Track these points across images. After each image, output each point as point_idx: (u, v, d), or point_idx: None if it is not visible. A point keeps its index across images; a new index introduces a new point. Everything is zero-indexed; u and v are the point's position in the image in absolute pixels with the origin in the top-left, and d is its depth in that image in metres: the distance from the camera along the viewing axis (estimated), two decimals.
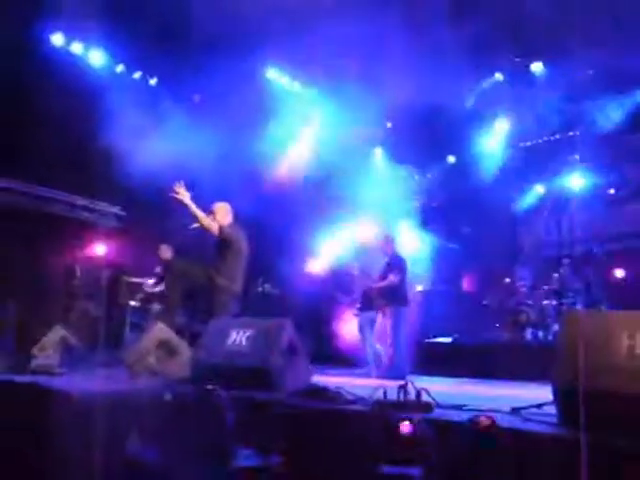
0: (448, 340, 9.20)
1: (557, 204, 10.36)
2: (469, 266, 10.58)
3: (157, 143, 7.85)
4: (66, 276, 7.89)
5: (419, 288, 10.23)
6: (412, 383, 3.52)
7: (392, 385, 3.67)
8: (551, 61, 9.42)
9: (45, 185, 8.15)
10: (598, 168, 10.01)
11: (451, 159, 11.65)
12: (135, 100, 8.33)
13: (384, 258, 8.04)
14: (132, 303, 8.57)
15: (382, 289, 7.78)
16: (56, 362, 5.81)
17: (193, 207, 6.17)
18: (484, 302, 9.79)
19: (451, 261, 10.74)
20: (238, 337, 4.83)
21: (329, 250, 11.08)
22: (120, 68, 9.77)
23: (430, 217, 11.21)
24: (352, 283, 9.31)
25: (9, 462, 4.03)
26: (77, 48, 9.31)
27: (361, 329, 8.68)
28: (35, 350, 5.93)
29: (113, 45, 9.31)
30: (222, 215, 6.41)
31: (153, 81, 10.14)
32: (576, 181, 10.13)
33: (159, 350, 5.25)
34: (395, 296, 7.65)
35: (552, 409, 3.15)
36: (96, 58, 9.48)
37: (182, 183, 6.19)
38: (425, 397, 3.51)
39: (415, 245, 10.41)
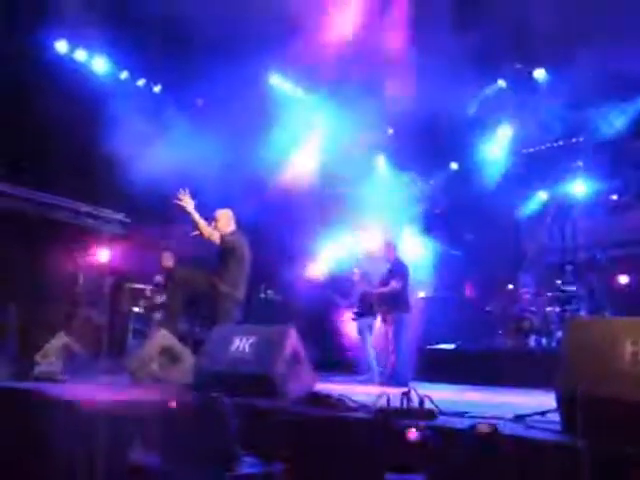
0: (451, 347, 9.18)
1: (560, 211, 10.36)
2: (472, 273, 10.56)
3: (161, 150, 7.88)
4: (69, 282, 7.90)
5: (422, 294, 10.22)
6: (415, 390, 3.51)
7: (395, 392, 3.67)
8: (554, 68, 9.43)
9: (49, 191, 8.18)
10: (601, 175, 10.00)
11: (454, 166, 11.66)
12: (139, 107, 8.36)
13: (386, 264, 8.03)
14: (135, 310, 8.57)
15: (384, 295, 7.76)
16: (59, 369, 5.82)
17: (196, 216, 6.18)
18: (487, 309, 9.77)
19: (454, 268, 10.73)
20: (241, 344, 4.83)
21: (331, 256, 11.08)
22: (124, 75, 9.81)
23: (433, 223, 11.21)
24: (352, 288, 9.32)
25: (11, 469, 4.03)
26: (81, 55, 9.35)
27: (360, 334, 8.70)
28: (38, 357, 5.93)
29: (117, 52, 9.35)
30: (225, 222, 6.42)
31: (157, 88, 10.18)
32: (579, 188, 10.13)
33: (162, 357, 5.26)
34: (397, 302, 7.63)
35: (556, 416, 3.14)
36: (100, 65, 9.52)
37: (186, 191, 6.21)
38: (428, 404, 3.51)
39: (418, 251, 10.40)
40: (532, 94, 9.86)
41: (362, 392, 4.90)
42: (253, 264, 6.50)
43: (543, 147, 10.68)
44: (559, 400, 3.04)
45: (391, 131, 10.92)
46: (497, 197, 10.47)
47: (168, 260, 8.67)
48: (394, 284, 7.61)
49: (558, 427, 3.07)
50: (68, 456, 3.64)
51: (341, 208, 10.16)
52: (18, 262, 7.22)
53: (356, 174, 10.30)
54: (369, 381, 7.98)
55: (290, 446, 3.54)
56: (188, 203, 6.17)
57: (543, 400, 3.59)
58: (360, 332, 8.67)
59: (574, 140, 10.16)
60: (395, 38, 8.35)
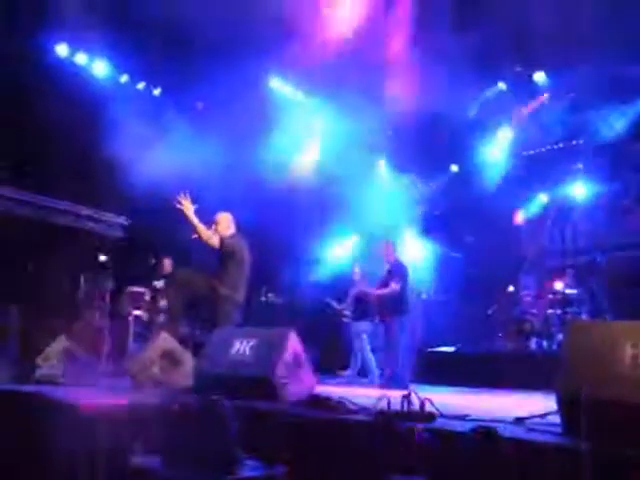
0: (451, 349, 9.18)
1: (560, 213, 10.36)
2: (472, 275, 10.57)
3: (161, 153, 7.89)
4: (70, 286, 7.90)
5: (422, 297, 10.22)
6: (415, 393, 3.52)
7: (395, 395, 3.67)
8: (554, 71, 9.45)
9: (50, 195, 8.18)
10: (601, 177, 10.00)
11: (454, 168, 11.66)
12: (139, 110, 8.38)
13: (385, 265, 8.01)
14: (136, 313, 8.58)
15: (383, 297, 7.73)
16: (60, 372, 5.82)
17: (195, 220, 6.21)
18: (488, 311, 9.77)
19: (454, 270, 10.73)
20: (242, 347, 4.84)
21: (332, 258, 11.09)
22: (124, 78, 9.82)
23: (433, 226, 11.21)
24: (347, 292, 9.37)
25: (12, 472, 4.04)
26: (81, 58, 9.37)
27: (354, 337, 8.73)
28: (39, 360, 5.94)
29: (117, 55, 9.37)
30: (225, 225, 6.44)
31: (157, 91, 10.19)
32: (579, 190, 10.13)
33: (163, 360, 5.26)
34: (396, 304, 7.59)
35: (556, 419, 3.15)
36: (100, 68, 9.53)
37: (187, 195, 6.23)
38: (428, 407, 3.51)
39: (418, 254, 10.41)
40: (532, 97, 9.88)
41: (362, 395, 4.90)
42: (254, 267, 6.51)
43: (543, 149, 10.68)
44: (559, 402, 3.05)
45: (391, 133, 10.92)
46: (497, 199, 10.48)
47: (168, 267, 8.72)
48: (394, 286, 7.58)
49: (559, 429, 3.08)
50: (69, 459, 3.64)
51: (342, 210, 10.18)
52: (19, 265, 7.22)
53: (356, 176, 10.30)
54: (370, 384, 7.99)
55: (291, 448, 3.54)
56: (188, 207, 6.20)
57: (544, 403, 3.60)
58: (356, 335, 8.71)
59: (574, 142, 10.17)
60: (395, 40, 8.38)
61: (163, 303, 8.01)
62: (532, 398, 5.55)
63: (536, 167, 10.66)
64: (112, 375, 5.98)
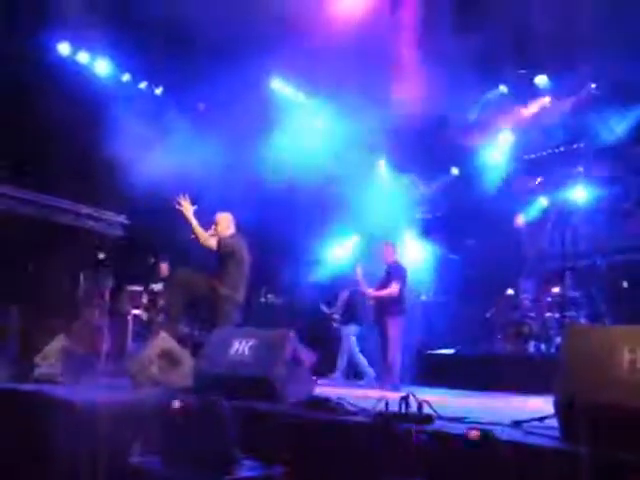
0: (450, 352, 9.19)
1: (561, 216, 10.36)
2: (472, 277, 10.57)
3: (162, 152, 7.89)
4: (70, 285, 7.90)
5: (422, 299, 10.23)
6: (413, 395, 3.53)
7: (393, 397, 3.68)
8: (556, 73, 9.45)
9: (50, 194, 8.18)
10: (601, 181, 10.01)
11: (455, 171, 11.67)
12: (140, 109, 8.38)
13: (383, 265, 8.00)
14: (135, 312, 8.59)
15: (381, 298, 7.71)
16: (59, 371, 5.82)
17: (194, 222, 6.22)
18: (487, 314, 9.77)
19: (454, 272, 10.74)
20: (241, 347, 4.84)
21: (332, 259, 11.09)
22: (126, 77, 9.83)
23: (433, 228, 11.23)
24: (338, 295, 9.41)
25: (12, 472, 4.04)
26: (83, 57, 9.37)
27: (344, 341, 8.77)
28: (38, 359, 5.94)
29: (119, 54, 9.37)
30: (225, 225, 6.45)
31: (159, 90, 10.20)
32: (580, 193, 10.13)
33: (162, 360, 5.26)
34: (394, 305, 7.59)
35: (554, 422, 3.15)
36: (102, 67, 9.54)
37: (187, 196, 6.24)
38: (426, 409, 3.52)
39: (418, 255, 10.42)
40: (533, 100, 9.89)
41: (360, 396, 4.91)
42: (254, 268, 6.52)
43: (544, 153, 10.69)
44: (557, 406, 3.05)
45: (393, 135, 10.93)
46: (498, 202, 10.49)
47: (165, 271, 8.74)
48: (394, 287, 7.57)
49: (556, 433, 3.08)
50: (68, 458, 3.65)
51: (342, 211, 10.18)
52: (18, 264, 7.23)
53: (357, 177, 10.32)
54: (367, 385, 8.00)
55: (289, 449, 3.55)
56: (187, 208, 6.21)
57: (542, 406, 3.61)
58: (344, 338, 8.76)
59: (575, 146, 10.17)
60: (397, 42, 8.38)
61: (162, 303, 8.02)
62: (530, 401, 5.56)
63: (537, 170, 10.67)
64: (111, 374, 5.98)
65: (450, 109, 9.29)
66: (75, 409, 3.84)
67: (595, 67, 8.07)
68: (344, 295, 9.26)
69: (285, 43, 7.90)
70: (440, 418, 3.53)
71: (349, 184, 10.17)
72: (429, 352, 9.14)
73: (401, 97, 8.40)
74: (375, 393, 5.82)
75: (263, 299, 10.46)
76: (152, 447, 3.35)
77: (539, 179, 10.63)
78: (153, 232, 8.95)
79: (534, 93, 9.90)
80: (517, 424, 3.41)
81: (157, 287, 8.57)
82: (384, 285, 7.72)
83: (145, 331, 8.14)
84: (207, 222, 6.42)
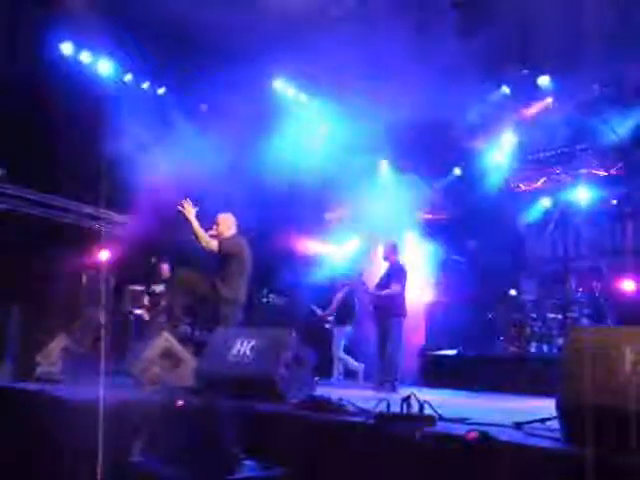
0: (452, 353, 9.17)
1: (563, 218, 10.34)
2: (474, 278, 10.56)
3: (164, 153, 7.90)
4: (71, 284, 7.92)
5: (424, 300, 10.21)
6: (415, 396, 3.52)
7: (395, 397, 3.67)
8: (559, 74, 9.43)
9: (52, 193, 8.21)
10: (604, 182, 9.99)
11: (457, 171, 11.65)
12: (143, 109, 8.39)
13: (384, 265, 7.97)
14: (136, 312, 8.59)
15: (381, 298, 7.67)
16: (60, 370, 5.83)
17: (195, 224, 6.21)
18: (489, 315, 9.76)
19: (456, 273, 10.72)
20: (242, 347, 4.84)
21: (333, 260, 11.08)
22: (128, 78, 9.83)
23: (436, 229, 11.20)
24: (332, 297, 9.44)
25: (14, 469, 4.04)
26: (86, 57, 9.37)
27: (336, 341, 8.80)
28: (39, 358, 5.95)
29: (122, 55, 9.37)
30: (226, 226, 6.45)
31: (161, 91, 10.20)
32: (582, 194, 10.11)
33: (164, 360, 5.27)
34: (394, 306, 7.55)
35: (556, 424, 3.14)
36: (105, 68, 9.54)
37: (188, 200, 6.24)
38: (428, 410, 3.51)
39: (420, 257, 10.40)
40: (536, 100, 9.87)
41: (361, 396, 4.90)
42: (256, 268, 6.52)
43: (547, 154, 10.67)
44: (559, 408, 3.04)
45: (395, 136, 10.92)
46: (500, 203, 10.47)
47: (166, 272, 8.75)
48: (394, 287, 7.54)
49: (558, 435, 3.07)
50: (69, 457, 3.65)
51: (344, 212, 10.17)
52: (21, 263, 7.24)
53: (359, 178, 10.30)
54: (361, 382, 8.06)
55: (290, 450, 3.55)
56: (190, 211, 6.20)
57: (543, 407, 3.59)
58: (336, 341, 8.79)
59: (578, 147, 10.14)
60: (399, 42, 8.37)
61: (164, 303, 8.03)
62: (532, 402, 5.54)
63: (539, 171, 10.65)
64: (112, 374, 5.98)
65: (452, 110, 9.27)
66: (76, 408, 3.84)
67: (598, 67, 8.04)
68: (339, 295, 9.28)
69: (288, 44, 7.89)
70: (442, 419, 3.52)
71: (351, 185, 10.16)
72: (431, 353, 9.13)
73: (403, 98, 8.39)
74: (376, 393, 5.83)
75: (265, 299, 10.46)
76: (153, 446, 3.35)
77: (542, 180, 10.62)
78: (155, 231, 8.95)
79: (537, 94, 9.87)
80: (519, 426, 3.41)
81: (158, 288, 8.57)
82: (385, 285, 7.68)
83: (147, 331, 8.13)
84: (209, 222, 6.41)
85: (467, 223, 11.11)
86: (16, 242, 7.37)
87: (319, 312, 9.61)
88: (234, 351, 4.86)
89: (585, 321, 8.63)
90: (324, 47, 7.38)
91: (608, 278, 9.18)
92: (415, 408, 3.45)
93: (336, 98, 9.78)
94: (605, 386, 2.87)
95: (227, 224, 6.49)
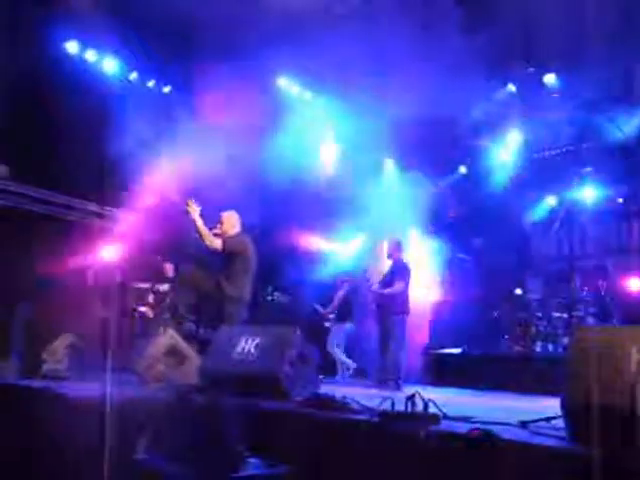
0: (457, 351, 9.16)
1: (569, 216, 10.31)
2: (479, 277, 10.53)
3: (169, 150, 7.90)
4: (77, 281, 7.93)
5: (429, 298, 10.20)
6: (419, 394, 3.51)
7: (399, 396, 3.67)
8: (565, 72, 9.39)
9: (58, 191, 8.22)
10: (610, 180, 9.95)
11: (462, 169, 11.63)
12: (149, 108, 8.39)
13: (388, 262, 7.95)
14: (141, 310, 8.60)
15: (385, 296, 7.65)
16: (65, 367, 5.85)
17: (199, 223, 6.22)
18: (494, 313, 9.74)
19: (461, 272, 10.70)
20: (247, 345, 4.85)
21: (338, 257, 11.08)
22: (133, 76, 9.83)
23: (441, 227, 11.18)
24: (334, 295, 9.46)
25: (19, 466, 4.06)
26: (91, 56, 9.38)
27: (331, 338, 8.81)
28: (45, 354, 5.97)
29: (127, 53, 9.37)
30: (230, 225, 6.46)
31: (167, 89, 10.20)
32: (588, 193, 10.08)
33: (168, 357, 5.28)
34: (397, 304, 7.53)
35: (561, 423, 3.14)
36: (110, 66, 9.54)
37: (193, 200, 6.24)
38: (432, 408, 3.50)
39: (425, 255, 10.38)
40: (542, 99, 9.83)
41: (365, 395, 4.90)
42: (260, 266, 6.52)
43: (552, 152, 10.63)
44: (564, 407, 3.03)
45: (400, 134, 10.89)
46: (505, 201, 10.44)
47: (169, 271, 8.77)
48: (398, 285, 7.51)
49: (563, 434, 3.06)
50: (74, 454, 3.66)
51: (349, 210, 10.16)
52: (26, 261, 7.26)
53: (363, 175, 10.29)
54: (341, 376, 8.08)
55: (294, 447, 3.55)
56: (194, 211, 6.21)
57: (549, 407, 3.58)
58: (338, 335, 8.80)
59: (584, 145, 10.10)
60: (403, 40, 8.35)
61: (168, 301, 8.04)
62: (537, 401, 5.53)
63: (545, 170, 10.61)
64: (117, 371, 5.99)
65: (458, 108, 9.24)
66: (81, 405, 3.85)
67: (604, 65, 8.00)
68: (340, 293, 9.29)
69: (292, 42, 7.88)
70: (446, 417, 3.52)
71: (356, 182, 10.14)
72: (436, 351, 9.12)
73: (408, 96, 8.37)
74: (379, 392, 5.82)
75: (269, 297, 10.47)
76: (158, 444, 3.36)
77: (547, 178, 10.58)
78: (159, 230, 8.96)
79: (542, 92, 9.83)
80: (524, 424, 3.40)
81: (163, 287, 8.59)
82: (388, 283, 7.65)
83: (151, 328, 8.14)
84: (213, 220, 6.42)
85: (472, 221, 11.09)
86: (20, 239, 7.38)
87: (321, 310, 9.62)
88: (239, 349, 4.86)
89: (591, 320, 8.61)
90: (328, 44, 7.35)
91: (614, 277, 9.15)
92: (419, 406, 3.45)
93: (341, 95, 9.76)
94: (611, 385, 2.86)
95: (231, 222, 6.49)
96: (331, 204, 10.20)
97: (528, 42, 8.35)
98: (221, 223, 6.45)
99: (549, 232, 10.65)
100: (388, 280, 7.68)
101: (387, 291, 7.57)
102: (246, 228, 6.61)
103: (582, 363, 3.05)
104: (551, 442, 2.97)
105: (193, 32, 7.93)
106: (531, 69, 9.57)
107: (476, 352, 8.97)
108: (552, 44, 7.96)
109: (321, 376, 5.71)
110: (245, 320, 6.28)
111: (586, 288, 9.11)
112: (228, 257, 6.31)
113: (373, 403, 3.80)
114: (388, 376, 7.28)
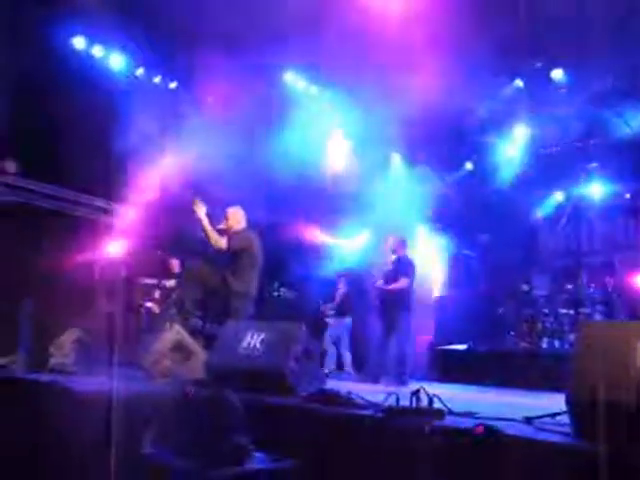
0: (463, 347, 9.16)
1: (576, 212, 10.27)
2: (485, 273, 10.52)
3: (175, 146, 7.92)
4: (84, 277, 7.96)
5: (435, 294, 10.20)
6: (424, 389, 3.51)
7: (404, 391, 3.67)
8: (573, 67, 9.34)
9: (65, 186, 8.25)
10: (617, 176, 9.90)
11: (469, 165, 11.60)
12: (155, 103, 8.40)
13: (392, 258, 7.92)
14: (148, 305, 8.63)
15: (387, 292, 7.63)
16: (72, 361, 5.87)
17: (205, 222, 6.22)
18: (500, 309, 9.72)
19: (468, 268, 10.69)
20: (253, 340, 4.85)
21: (344, 253, 11.08)
22: (140, 72, 9.84)
23: (447, 223, 11.16)
24: (335, 291, 9.48)
25: (26, 460, 4.08)
26: (98, 51, 9.39)
27: (337, 334, 8.83)
28: (52, 349, 6.00)
29: (133, 49, 9.38)
30: (236, 220, 6.46)
31: (173, 85, 10.20)
32: (595, 189, 10.04)
33: (174, 353, 5.29)
34: (401, 300, 7.52)
35: (566, 419, 3.13)
36: (116, 62, 9.56)
37: (199, 199, 6.25)
38: (437, 404, 3.51)
39: (431, 251, 10.37)
40: (550, 94, 9.78)
41: (369, 390, 4.90)
42: (266, 261, 6.53)
43: (560, 148, 10.59)
44: (569, 403, 3.03)
45: (407, 130, 10.87)
46: (513, 198, 10.41)
47: (176, 267, 8.80)
48: (403, 282, 7.50)
49: (568, 430, 3.06)
50: (81, 448, 3.68)
51: (355, 206, 10.15)
52: (33, 256, 7.30)
53: (370, 170, 10.28)
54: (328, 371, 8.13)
55: (300, 442, 3.56)
56: (200, 209, 6.21)
57: (554, 402, 3.57)
58: (336, 334, 8.82)
59: (591, 141, 10.06)
60: (412, 35, 8.32)
61: (174, 296, 8.06)
62: (542, 397, 5.52)
63: (552, 165, 10.57)
64: (124, 366, 6.02)
65: (465, 103, 9.21)
66: (88, 399, 3.87)
67: (611, 60, 7.96)
68: (342, 289, 9.30)
69: (298, 35, 7.86)
70: (451, 413, 3.52)
71: (362, 178, 10.14)
72: (441, 347, 9.12)
73: (416, 90, 8.34)
74: (379, 388, 5.83)
75: (276, 293, 10.49)
76: (164, 438, 3.37)
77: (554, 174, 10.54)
78: (165, 226, 8.99)
79: (550, 87, 9.78)
80: (529, 420, 3.40)
81: (169, 283, 8.61)
82: (392, 279, 7.63)
83: (157, 324, 8.17)
84: (219, 216, 6.43)
85: (479, 217, 11.06)
86: (29, 235, 7.42)
87: (321, 306, 9.64)
88: (244, 344, 4.87)
89: (597, 317, 8.59)
90: (334, 39, 7.35)
91: (621, 273, 9.13)
92: (424, 402, 3.45)
93: (347, 90, 9.74)
94: (616, 381, 2.85)
95: (237, 218, 6.50)
96: (337, 200, 10.20)
97: (536, 37, 8.31)
98: (227, 219, 6.45)
99: (556, 228, 10.63)
100: (393, 276, 7.67)
101: (391, 287, 7.55)
102: (252, 224, 6.62)
103: (588, 359, 3.04)
104: (556, 438, 2.97)
105: (199, 28, 7.93)
106: (539, 64, 9.52)
107: (482, 348, 8.96)
108: (560, 39, 7.92)
109: (326, 371, 5.72)
110: (251, 315, 6.29)
111: (593, 284, 9.09)
112: (234, 253, 6.32)
113: (378, 398, 3.81)
114: (387, 371, 7.30)
